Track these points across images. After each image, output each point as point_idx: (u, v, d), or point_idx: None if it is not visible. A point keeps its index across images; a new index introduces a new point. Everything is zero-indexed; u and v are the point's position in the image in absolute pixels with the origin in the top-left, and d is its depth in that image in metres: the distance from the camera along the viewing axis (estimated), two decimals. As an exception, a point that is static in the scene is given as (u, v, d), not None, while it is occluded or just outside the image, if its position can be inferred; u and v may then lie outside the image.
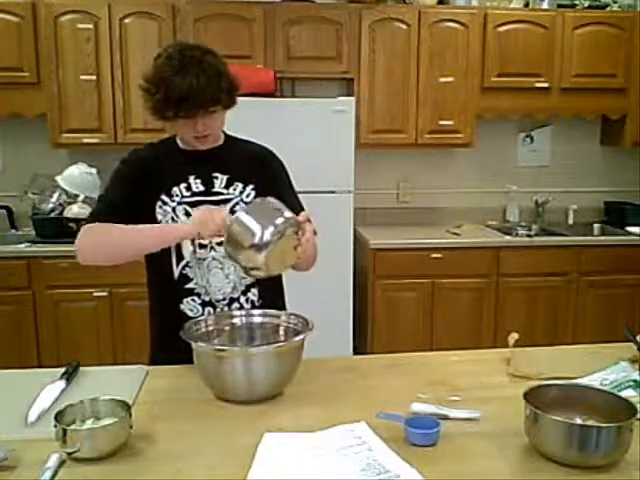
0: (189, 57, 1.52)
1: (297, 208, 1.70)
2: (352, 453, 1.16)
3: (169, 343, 1.57)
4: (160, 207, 1.65)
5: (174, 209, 1.65)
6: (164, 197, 1.66)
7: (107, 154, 3.30)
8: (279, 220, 1.43)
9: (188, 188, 1.67)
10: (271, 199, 1.51)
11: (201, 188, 1.67)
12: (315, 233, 1.73)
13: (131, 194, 1.65)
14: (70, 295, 3.36)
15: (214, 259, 1.66)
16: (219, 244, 1.64)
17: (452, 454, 1.18)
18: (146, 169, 1.68)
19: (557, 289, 3.72)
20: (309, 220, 1.70)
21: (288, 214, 1.47)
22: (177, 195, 1.66)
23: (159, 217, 1.65)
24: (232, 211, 1.66)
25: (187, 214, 1.65)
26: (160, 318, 1.77)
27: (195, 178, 1.67)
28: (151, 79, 1.54)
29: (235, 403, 1.39)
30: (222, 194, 1.68)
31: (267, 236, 1.40)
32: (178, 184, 1.66)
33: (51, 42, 3.43)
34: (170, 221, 1.65)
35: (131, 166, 1.70)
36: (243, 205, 1.64)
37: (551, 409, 1.16)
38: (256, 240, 1.40)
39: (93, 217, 1.65)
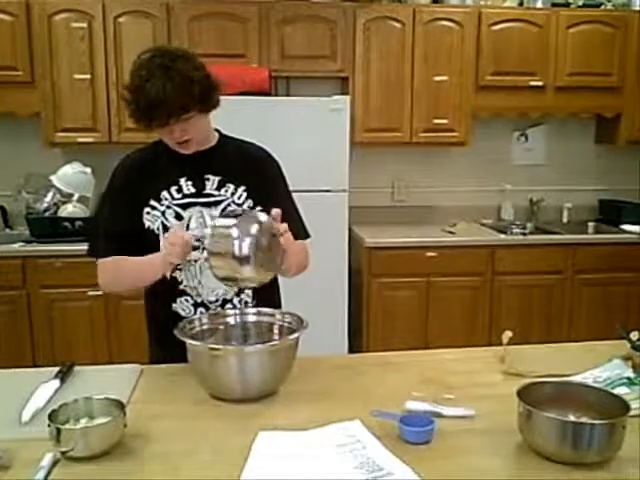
0: (157, 65, 1.49)
1: (292, 215, 1.70)
2: (346, 451, 1.17)
3: (165, 342, 1.57)
4: (148, 213, 1.64)
5: (163, 213, 1.64)
6: (153, 202, 1.64)
7: (101, 153, 3.31)
8: (254, 229, 1.42)
9: (179, 190, 1.65)
10: (236, 209, 1.59)
11: (192, 190, 1.66)
12: (309, 236, 1.73)
13: (124, 211, 1.65)
14: (65, 294, 3.35)
15: (206, 260, 1.65)
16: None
17: (446, 452, 1.19)
18: (135, 178, 1.67)
19: (552, 287, 3.73)
20: (300, 218, 1.71)
21: (262, 217, 1.47)
22: (166, 199, 1.64)
23: (147, 223, 1.64)
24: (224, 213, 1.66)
25: (178, 217, 1.64)
26: (155, 318, 1.78)
27: (186, 180, 1.66)
28: (127, 88, 1.53)
29: (229, 402, 1.39)
30: (213, 196, 1.66)
31: (245, 250, 1.39)
32: (168, 188, 1.65)
33: (45, 41, 3.42)
34: (160, 226, 1.64)
35: (119, 181, 1.69)
36: (210, 230, 1.51)
37: (544, 406, 1.17)
38: (237, 255, 1.39)
39: (101, 251, 1.67)
